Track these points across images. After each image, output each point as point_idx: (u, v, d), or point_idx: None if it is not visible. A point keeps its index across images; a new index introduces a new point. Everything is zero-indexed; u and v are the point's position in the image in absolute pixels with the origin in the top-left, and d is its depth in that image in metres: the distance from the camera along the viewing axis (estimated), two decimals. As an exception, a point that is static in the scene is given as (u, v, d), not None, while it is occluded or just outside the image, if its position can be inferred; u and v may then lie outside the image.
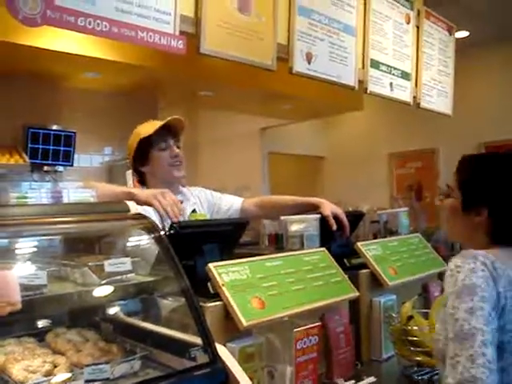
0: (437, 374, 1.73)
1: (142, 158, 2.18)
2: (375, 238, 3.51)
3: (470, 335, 1.13)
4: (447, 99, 4.22)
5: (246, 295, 1.39)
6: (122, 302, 1.38)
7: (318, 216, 1.89)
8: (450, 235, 1.54)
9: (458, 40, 4.27)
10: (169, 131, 2.18)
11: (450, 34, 4.23)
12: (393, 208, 5.98)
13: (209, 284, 1.52)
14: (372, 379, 1.66)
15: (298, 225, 1.80)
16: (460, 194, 1.38)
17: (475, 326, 1.14)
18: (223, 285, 1.39)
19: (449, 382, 1.12)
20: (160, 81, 4.29)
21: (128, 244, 1.46)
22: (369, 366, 1.85)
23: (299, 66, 2.86)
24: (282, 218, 1.84)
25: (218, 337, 1.32)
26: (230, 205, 2.33)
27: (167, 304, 1.37)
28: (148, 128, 2.16)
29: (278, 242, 6.49)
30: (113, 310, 1.40)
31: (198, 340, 1.22)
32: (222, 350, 1.20)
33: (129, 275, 1.30)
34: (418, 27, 3.79)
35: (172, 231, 1.61)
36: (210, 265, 1.43)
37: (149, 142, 2.14)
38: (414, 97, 3.80)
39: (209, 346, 1.18)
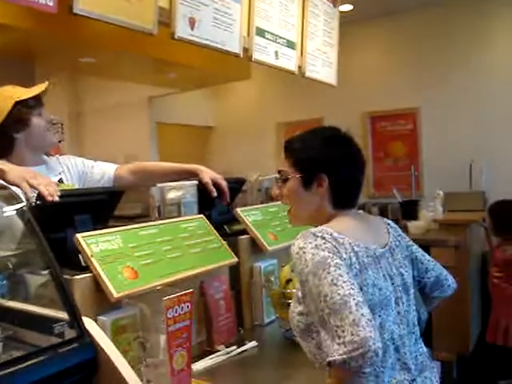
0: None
1: (18, 122, 1.99)
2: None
3: (344, 303, 1.14)
4: (331, 69, 4.32)
5: (116, 265, 1.34)
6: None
7: (196, 182, 1.86)
8: (298, 220, 1.50)
9: (342, 13, 4.37)
10: (39, 97, 2.06)
11: (335, 6, 4.32)
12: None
13: (80, 256, 1.45)
14: (253, 343, 1.68)
15: (175, 192, 1.76)
16: (298, 173, 1.40)
17: (344, 294, 1.15)
18: (92, 255, 1.32)
19: (339, 352, 1.10)
20: (36, 45, 3.97)
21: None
22: (251, 332, 1.87)
23: (182, 31, 2.77)
24: (159, 185, 1.78)
25: (89, 310, 1.27)
26: (102, 173, 2.22)
27: (31, 279, 1.28)
28: (23, 90, 2.01)
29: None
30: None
31: (64, 315, 1.15)
32: (91, 324, 1.14)
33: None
34: (303, -3, 3.83)
35: (39, 202, 1.51)
36: (78, 235, 1.35)
37: (27, 106, 1.99)
38: (299, 66, 3.85)
39: (75, 321, 1.12)
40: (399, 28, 5.68)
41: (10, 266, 1.29)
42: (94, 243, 1.35)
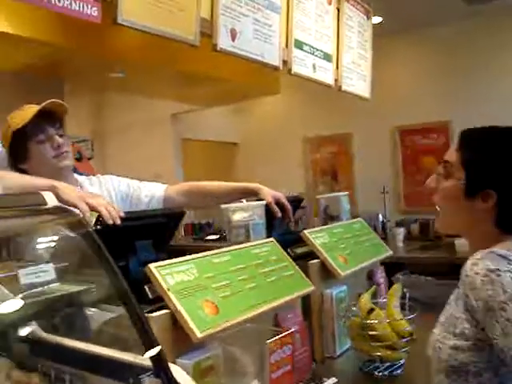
0: (397, 368, 1.61)
1: (18, 153, 1.83)
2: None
3: None
4: (365, 83, 4.20)
5: (195, 300, 1.17)
6: (44, 320, 1.11)
7: (264, 202, 1.70)
8: (446, 226, 1.28)
9: (372, 26, 4.25)
10: (47, 119, 1.83)
11: (368, 18, 4.21)
12: (311, 192, 6.00)
13: (146, 288, 1.29)
14: (333, 380, 1.50)
15: (241, 213, 1.60)
16: (464, 175, 1.18)
17: None
18: (169, 289, 1.15)
19: None
20: (65, 60, 3.87)
21: (46, 245, 1.18)
22: (324, 365, 1.69)
23: (223, 42, 2.64)
24: (223, 206, 1.62)
25: (167, 353, 1.10)
26: (151, 194, 2.03)
27: (103, 317, 1.12)
28: (21, 117, 1.81)
29: (196, 232, 6.33)
30: (32, 330, 1.12)
31: (145, 361, 0.99)
32: (177, 371, 0.98)
33: (52, 285, 1.03)
34: (338, 9, 3.71)
35: (99, 226, 1.36)
36: (151, 265, 1.18)
37: (24, 135, 1.79)
38: (335, 79, 3.72)
39: (161, 368, 0.95)
40: (429, 41, 5.53)
41: (76, 302, 1.13)
42: (168, 274, 1.19)
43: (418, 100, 5.60)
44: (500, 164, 1.16)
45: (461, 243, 3.78)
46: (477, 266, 1.06)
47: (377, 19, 5.21)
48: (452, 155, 1.22)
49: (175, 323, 1.15)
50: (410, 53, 5.73)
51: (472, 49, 5.24)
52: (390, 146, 5.86)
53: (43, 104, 1.80)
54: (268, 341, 1.00)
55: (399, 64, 5.78)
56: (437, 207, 1.28)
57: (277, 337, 1.01)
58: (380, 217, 4.90)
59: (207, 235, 5.94)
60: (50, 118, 1.84)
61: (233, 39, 2.73)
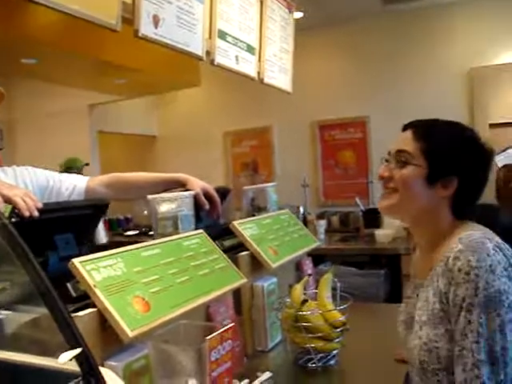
0: (331, 359, 1.61)
1: None
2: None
3: (501, 355, 1.03)
4: (287, 76, 4.22)
5: (124, 296, 1.08)
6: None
7: (192, 193, 1.62)
8: (398, 212, 1.30)
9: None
10: None
11: (290, 12, 4.24)
12: (233, 185, 5.97)
13: (69, 285, 1.19)
14: (268, 374, 1.46)
15: (169, 204, 1.52)
16: (426, 163, 1.21)
17: (504, 346, 1.04)
18: (95, 285, 1.06)
19: None
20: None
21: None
22: (256, 359, 1.66)
23: (146, 29, 2.52)
24: (149, 197, 1.53)
25: (95, 355, 1.01)
26: (72, 187, 1.89)
27: (20, 319, 1.01)
28: None
29: (113, 228, 6.08)
30: None
31: (72, 366, 0.89)
32: (109, 375, 0.90)
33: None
34: (261, 2, 3.69)
35: (14, 219, 1.24)
36: (75, 260, 1.09)
37: None
38: (258, 72, 3.70)
39: (91, 373, 0.86)
40: (347, 37, 5.64)
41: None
42: (94, 269, 1.09)
43: (336, 95, 5.72)
44: (461, 152, 1.22)
45: (380, 234, 3.89)
46: (459, 260, 1.09)
47: (297, 14, 5.25)
48: (408, 145, 1.25)
49: (102, 322, 1.06)
50: (330, 48, 5.82)
51: (388, 46, 5.40)
52: (310, 140, 5.94)
53: None
54: (208, 337, 0.95)
55: (319, 59, 5.86)
56: (383, 190, 1.31)
57: (216, 332, 0.96)
58: (301, 209, 4.95)
59: (126, 230, 5.76)
60: None
61: (155, 26, 2.62)
